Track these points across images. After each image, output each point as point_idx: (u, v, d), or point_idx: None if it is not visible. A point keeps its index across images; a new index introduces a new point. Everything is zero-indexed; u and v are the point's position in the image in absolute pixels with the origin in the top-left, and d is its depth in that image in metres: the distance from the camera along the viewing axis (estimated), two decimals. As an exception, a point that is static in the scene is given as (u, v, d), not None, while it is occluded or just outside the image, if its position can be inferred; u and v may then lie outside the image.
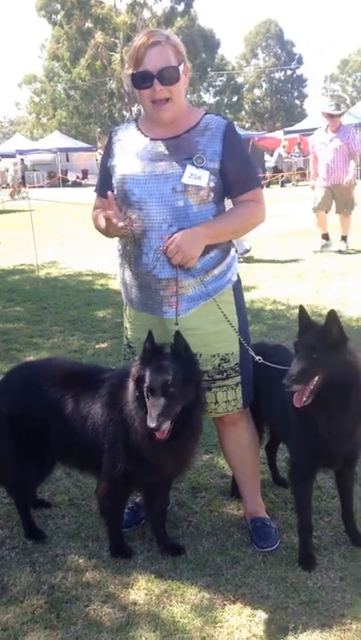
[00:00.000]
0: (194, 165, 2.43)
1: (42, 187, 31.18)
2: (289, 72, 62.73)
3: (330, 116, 9.20)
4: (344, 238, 9.60)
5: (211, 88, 58.79)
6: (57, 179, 32.13)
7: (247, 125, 57.36)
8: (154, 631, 2.25)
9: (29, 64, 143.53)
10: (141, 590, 2.47)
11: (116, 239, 2.63)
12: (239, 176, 2.52)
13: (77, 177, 34.28)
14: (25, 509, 2.86)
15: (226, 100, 58.85)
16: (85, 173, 34.70)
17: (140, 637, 2.23)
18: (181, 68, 2.41)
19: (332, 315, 2.38)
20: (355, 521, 2.76)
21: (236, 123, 2.78)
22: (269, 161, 28.52)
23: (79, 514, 3.01)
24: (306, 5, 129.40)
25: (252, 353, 2.66)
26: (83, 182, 32.61)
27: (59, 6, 46.11)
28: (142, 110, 2.61)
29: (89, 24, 45.72)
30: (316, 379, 2.36)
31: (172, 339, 2.37)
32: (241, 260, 8.66)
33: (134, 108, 43.90)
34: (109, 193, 2.44)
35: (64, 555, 2.70)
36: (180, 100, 2.45)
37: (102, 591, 2.47)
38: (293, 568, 2.57)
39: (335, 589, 2.44)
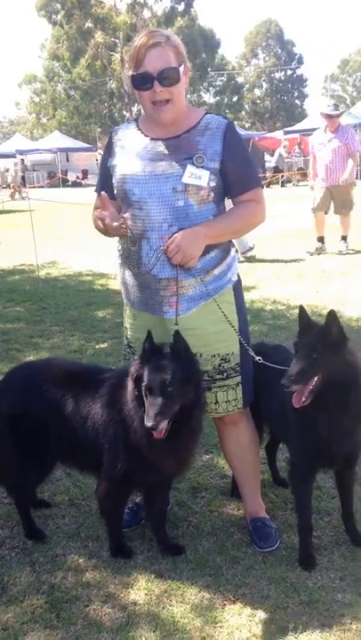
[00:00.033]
0: (194, 165, 2.43)
1: (42, 187, 31.18)
2: (289, 72, 62.74)
3: (328, 117, 9.20)
4: (344, 238, 9.60)
5: (211, 88, 58.82)
6: (57, 179, 32.13)
7: (247, 125, 57.36)
8: (154, 631, 2.25)
9: (29, 64, 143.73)
10: (141, 590, 2.47)
11: (117, 239, 2.63)
12: (239, 176, 2.52)
13: (77, 177, 34.28)
14: (25, 509, 2.86)
15: (226, 99, 58.85)
16: (85, 173, 34.70)
17: (140, 637, 2.23)
18: (182, 68, 2.41)
19: (332, 315, 2.38)
20: (355, 521, 2.76)
21: (236, 123, 2.79)
22: (270, 161, 28.52)
23: (79, 514, 3.01)
24: (306, 5, 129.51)
25: (252, 353, 2.66)
26: (83, 182, 32.61)
27: (59, 6, 46.10)
28: (142, 110, 2.60)
29: (89, 24, 45.71)
30: (316, 379, 2.36)
31: (172, 338, 2.37)
32: (243, 259, 8.67)
33: (134, 108, 43.92)
34: (103, 193, 2.44)
35: (64, 555, 2.70)
36: (180, 100, 2.45)
37: (102, 591, 2.47)
38: (293, 568, 2.57)
39: (335, 589, 2.44)
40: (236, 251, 2.75)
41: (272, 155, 28.68)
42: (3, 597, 2.45)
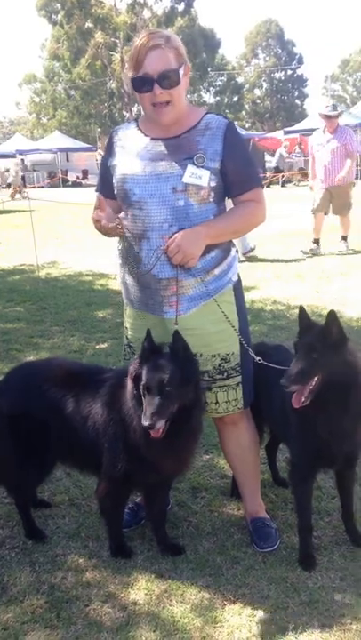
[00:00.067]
0: (194, 165, 2.43)
1: (42, 187, 31.18)
2: (289, 72, 62.72)
3: (327, 118, 9.20)
4: (344, 238, 9.60)
5: (211, 88, 58.80)
6: (57, 179, 32.13)
7: (247, 125, 57.35)
8: (154, 631, 2.25)
9: (29, 64, 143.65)
10: (141, 590, 2.47)
11: (117, 239, 2.64)
12: (240, 176, 2.52)
13: (77, 177, 34.28)
14: (25, 509, 2.86)
15: (226, 99, 58.84)
16: (85, 173, 34.69)
17: (140, 637, 2.23)
18: (182, 70, 2.41)
19: (332, 315, 2.38)
20: (355, 521, 2.76)
21: (236, 123, 2.78)
22: (270, 161, 28.50)
23: (79, 514, 3.01)
24: (306, 5, 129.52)
25: (253, 354, 2.66)
26: (83, 182, 32.60)
27: (59, 6, 46.10)
28: (142, 110, 2.60)
29: (89, 24, 45.70)
30: (316, 379, 2.36)
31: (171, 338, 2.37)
32: (244, 259, 8.67)
33: (134, 108, 43.90)
34: (98, 194, 2.45)
35: (64, 554, 2.70)
36: (180, 102, 2.45)
37: (102, 591, 2.47)
38: (293, 568, 2.57)
39: (335, 589, 2.44)
40: (237, 250, 2.75)
41: (272, 155, 28.66)
42: (3, 597, 2.45)
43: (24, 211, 13.70)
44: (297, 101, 63.77)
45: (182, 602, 2.40)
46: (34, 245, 8.49)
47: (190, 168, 2.42)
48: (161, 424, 2.25)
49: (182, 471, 2.66)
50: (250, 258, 9.01)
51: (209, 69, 55.15)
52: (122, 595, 2.45)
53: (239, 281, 2.69)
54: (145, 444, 2.36)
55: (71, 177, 34.06)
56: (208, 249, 2.49)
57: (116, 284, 7.31)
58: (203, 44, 49.81)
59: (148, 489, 2.72)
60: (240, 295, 2.68)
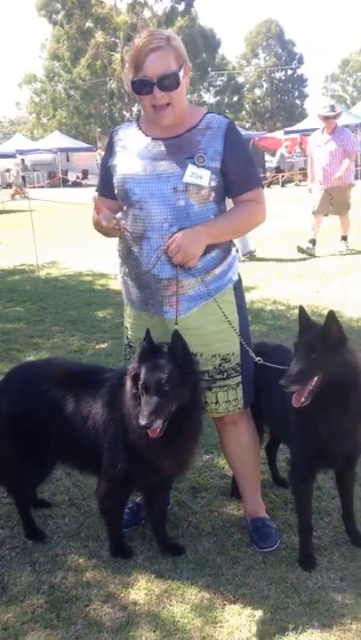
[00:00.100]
0: (195, 165, 2.43)
1: (42, 187, 31.17)
2: (290, 72, 62.70)
3: (325, 119, 9.20)
4: (344, 238, 9.59)
5: (211, 88, 58.78)
6: (57, 179, 32.11)
7: (247, 125, 57.33)
8: (154, 631, 2.25)
9: (29, 64, 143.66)
10: (141, 590, 2.47)
11: (117, 239, 2.64)
12: (240, 176, 2.52)
13: (77, 177, 34.26)
14: (25, 509, 2.86)
15: (226, 99, 58.83)
16: (85, 173, 34.68)
17: (140, 637, 2.23)
18: (181, 72, 2.40)
19: (332, 315, 2.37)
20: (355, 521, 2.76)
21: (236, 122, 2.77)
22: (270, 161, 28.49)
23: (79, 514, 3.01)
24: (307, 5, 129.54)
25: (253, 354, 2.66)
26: (83, 182, 32.59)
27: (59, 6, 46.09)
28: (143, 111, 2.61)
29: (89, 24, 45.70)
30: (316, 379, 2.36)
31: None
32: (243, 259, 8.66)
33: (134, 108, 43.91)
34: (94, 196, 2.45)
35: (64, 554, 2.70)
36: (180, 104, 2.44)
37: (102, 591, 2.47)
38: (294, 568, 2.57)
39: (335, 589, 2.44)
40: (237, 250, 2.75)
41: (272, 155, 28.64)
42: (3, 597, 2.45)
43: (24, 211, 13.71)
44: (297, 101, 63.75)
45: (182, 602, 2.40)
46: (34, 245, 8.49)
47: (191, 168, 2.42)
48: (158, 424, 2.25)
49: (182, 471, 2.66)
50: (250, 257, 9.01)
51: (209, 69, 55.14)
52: (122, 595, 2.45)
53: (240, 281, 2.69)
54: (145, 444, 2.36)
55: (71, 177, 34.04)
56: (208, 249, 2.48)
57: (116, 284, 7.31)
58: (203, 44, 49.79)
59: (148, 489, 2.72)
60: (240, 295, 2.68)
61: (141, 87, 2.40)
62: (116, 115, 51.04)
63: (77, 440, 2.63)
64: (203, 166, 2.43)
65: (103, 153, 2.80)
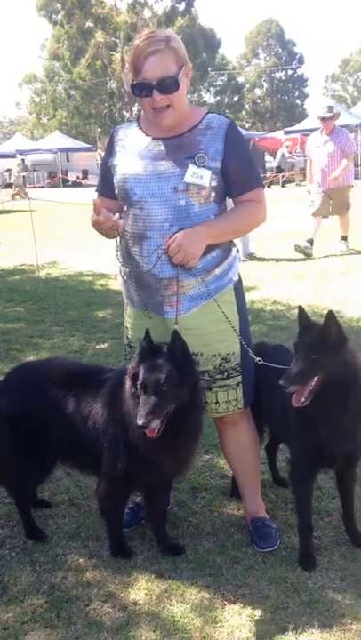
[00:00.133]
0: (196, 165, 2.43)
1: (42, 187, 31.16)
2: (290, 72, 62.70)
3: (323, 120, 9.21)
4: (344, 238, 9.60)
5: (211, 88, 58.76)
6: (57, 179, 32.12)
7: (248, 125, 57.34)
8: (154, 631, 2.25)
9: (29, 64, 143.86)
10: (141, 590, 2.47)
11: (118, 239, 2.64)
12: (241, 176, 2.52)
13: (78, 177, 34.27)
14: (25, 509, 2.86)
15: (226, 99, 58.82)
16: (86, 173, 34.68)
17: (140, 637, 2.23)
18: (181, 74, 2.39)
19: (331, 315, 2.38)
20: (355, 521, 2.76)
21: (236, 123, 2.76)
22: (270, 161, 28.48)
23: (79, 514, 3.01)
24: (307, 5, 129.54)
25: (252, 354, 2.66)
26: (83, 182, 32.59)
27: (59, 6, 46.12)
28: (143, 111, 2.61)
29: (89, 23, 45.72)
30: (316, 379, 2.36)
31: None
32: (243, 259, 8.66)
33: (134, 108, 43.90)
34: (94, 197, 2.46)
35: (64, 554, 2.70)
36: (180, 105, 2.44)
37: (102, 591, 2.47)
38: (294, 568, 2.57)
39: (335, 589, 2.44)
40: (237, 250, 2.75)
41: (272, 155, 28.63)
42: (3, 597, 2.45)
43: (24, 211, 13.71)
44: (297, 101, 63.74)
45: (182, 602, 2.40)
46: (34, 245, 8.50)
47: (191, 168, 2.42)
48: (156, 424, 2.25)
49: (182, 471, 2.66)
50: (250, 257, 9.01)
51: (209, 69, 55.12)
52: (122, 595, 2.45)
53: (240, 281, 2.69)
54: (144, 444, 2.36)
55: (71, 177, 34.05)
56: (209, 249, 2.49)
57: (116, 284, 7.32)
58: (203, 44, 49.77)
59: (148, 489, 2.72)
60: (241, 295, 2.68)
61: (141, 90, 2.40)
62: (116, 115, 51.02)
63: (77, 440, 2.63)
64: (203, 166, 2.43)
65: (103, 153, 2.80)
